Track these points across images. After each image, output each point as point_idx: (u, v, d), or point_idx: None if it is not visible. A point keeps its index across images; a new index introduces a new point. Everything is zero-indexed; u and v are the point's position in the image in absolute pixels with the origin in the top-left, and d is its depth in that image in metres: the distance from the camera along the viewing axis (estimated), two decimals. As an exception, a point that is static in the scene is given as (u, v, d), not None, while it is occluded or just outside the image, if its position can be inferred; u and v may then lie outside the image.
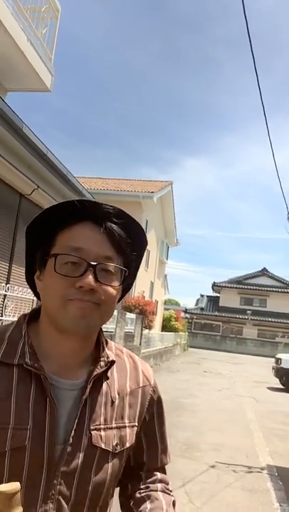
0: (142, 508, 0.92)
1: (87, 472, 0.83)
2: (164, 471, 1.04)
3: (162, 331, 24.02)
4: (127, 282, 0.92)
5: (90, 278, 0.80)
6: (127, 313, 12.55)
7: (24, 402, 0.80)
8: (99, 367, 0.88)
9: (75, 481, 0.81)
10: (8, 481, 0.74)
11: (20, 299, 6.70)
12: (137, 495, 0.96)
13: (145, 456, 0.99)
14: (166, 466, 1.06)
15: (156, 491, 0.96)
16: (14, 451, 0.77)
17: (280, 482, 4.90)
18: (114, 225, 0.85)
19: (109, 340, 0.99)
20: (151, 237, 21.20)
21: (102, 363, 0.89)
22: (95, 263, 0.81)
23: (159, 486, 0.98)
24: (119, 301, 0.92)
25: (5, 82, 7.54)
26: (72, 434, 0.82)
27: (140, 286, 18.88)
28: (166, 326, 25.30)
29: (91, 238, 0.83)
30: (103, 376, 0.89)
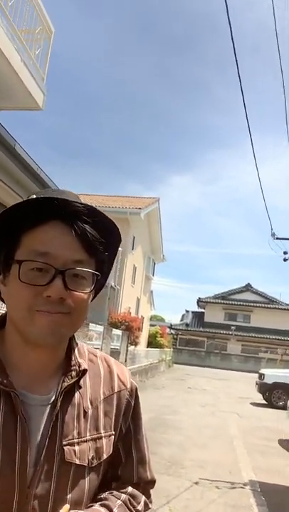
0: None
1: (62, 491, 0.77)
2: (145, 490, 0.93)
3: (148, 347, 23.98)
4: (100, 283, 0.84)
5: (59, 286, 0.73)
6: (113, 329, 12.59)
7: None
8: (70, 377, 0.82)
9: (50, 502, 0.76)
10: None
11: None
12: (95, 496, 0.86)
13: (120, 469, 0.91)
14: (149, 486, 0.95)
15: (118, 499, 0.85)
16: None
17: (262, 497, 4.98)
18: (85, 225, 0.76)
19: (81, 344, 0.92)
20: (137, 253, 21.34)
21: (73, 373, 0.83)
22: (63, 269, 0.74)
23: (123, 496, 0.87)
24: (92, 300, 0.85)
25: (-2, 101, 7.68)
26: (44, 453, 0.76)
27: (126, 302, 18.94)
28: (152, 343, 25.26)
29: (59, 240, 0.75)
30: (75, 386, 0.83)
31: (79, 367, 0.84)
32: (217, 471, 5.85)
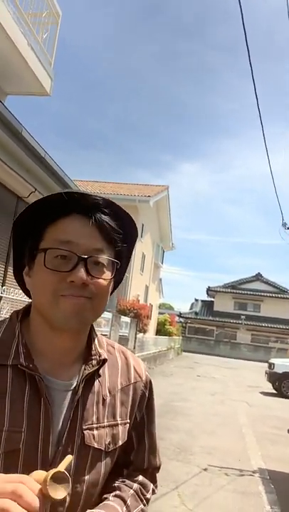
0: (102, 500, 0.87)
1: (80, 472, 0.82)
2: (152, 475, 1.01)
3: (156, 334, 24.06)
4: (119, 275, 0.90)
5: (82, 272, 0.78)
6: (122, 316, 12.60)
7: (19, 403, 0.79)
8: (90, 366, 0.87)
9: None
10: None
11: (16, 300, 6.73)
12: (109, 483, 0.92)
13: (133, 455, 0.97)
14: (156, 471, 1.02)
15: (130, 489, 0.92)
16: (8, 454, 0.76)
17: (271, 485, 4.96)
18: (104, 216, 0.82)
19: (101, 336, 0.97)
20: (146, 240, 21.28)
21: (93, 362, 0.88)
22: (85, 256, 0.79)
23: (135, 486, 0.94)
24: (111, 294, 0.90)
25: (5, 86, 7.60)
26: (65, 435, 0.81)
27: (135, 290, 18.94)
28: (161, 330, 25.33)
29: (80, 231, 0.80)
30: (95, 374, 0.88)
31: (99, 356, 0.89)
32: (226, 458, 5.84)
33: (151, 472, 1.00)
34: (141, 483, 0.95)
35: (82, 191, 0.82)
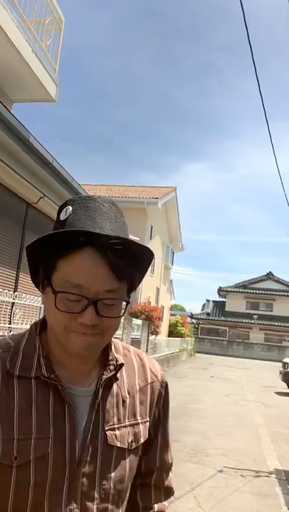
0: None
1: (106, 471, 0.87)
2: (166, 472, 1.06)
3: (169, 336, 24.01)
4: (135, 286, 0.93)
5: (91, 314, 0.80)
6: (134, 319, 12.60)
7: (44, 412, 0.84)
8: (108, 371, 0.91)
9: (96, 480, 0.86)
10: (34, 485, 0.82)
11: (28, 306, 6.77)
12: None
13: (147, 450, 1.01)
14: (169, 469, 1.07)
15: None
16: (38, 459, 0.82)
17: (288, 486, 4.91)
18: (117, 255, 0.80)
19: (116, 341, 1.01)
20: (156, 242, 21.28)
21: (111, 367, 0.92)
22: (95, 299, 0.80)
23: None
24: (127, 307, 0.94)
25: (11, 94, 7.67)
26: (89, 437, 0.86)
27: (146, 292, 18.93)
28: (173, 332, 25.28)
29: (92, 272, 0.80)
30: (113, 378, 0.93)
31: (116, 361, 0.94)
32: (241, 459, 5.79)
33: (165, 470, 1.05)
34: None
35: (95, 232, 0.78)
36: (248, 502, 4.34)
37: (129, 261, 0.82)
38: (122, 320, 11.03)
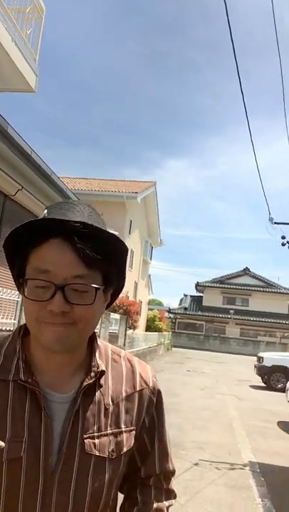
0: None
1: (83, 479, 0.85)
2: (166, 480, 1.03)
3: (146, 331, 24.09)
4: (115, 288, 0.92)
5: (59, 301, 0.79)
6: (111, 313, 12.59)
7: (20, 415, 0.83)
8: (89, 377, 0.89)
9: (71, 488, 0.84)
10: (6, 489, 0.81)
11: (3, 300, 6.68)
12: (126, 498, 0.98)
13: (146, 457, 1.00)
14: (171, 475, 1.04)
15: None
16: (11, 462, 0.81)
17: (262, 478, 5.02)
18: (84, 242, 0.80)
19: (105, 345, 0.99)
20: (135, 237, 21.27)
21: (92, 373, 0.90)
22: (62, 284, 0.79)
23: None
24: (108, 307, 0.94)
25: (-11, 83, 7.50)
26: (66, 444, 0.84)
27: (124, 287, 18.91)
28: (150, 326, 25.38)
29: (59, 258, 0.80)
30: (96, 385, 0.90)
31: (97, 368, 0.91)
32: (217, 452, 5.89)
33: (165, 477, 1.03)
34: (156, 511, 0.98)
35: (61, 219, 0.79)
36: (223, 494, 4.42)
37: (101, 250, 0.81)
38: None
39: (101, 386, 0.91)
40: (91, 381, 0.89)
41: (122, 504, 1.00)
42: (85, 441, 0.86)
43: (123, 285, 0.96)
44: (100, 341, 0.98)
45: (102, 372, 0.91)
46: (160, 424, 1.02)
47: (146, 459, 1.00)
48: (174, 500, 1.05)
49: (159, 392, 1.03)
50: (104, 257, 0.82)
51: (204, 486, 4.58)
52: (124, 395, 0.94)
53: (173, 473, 1.06)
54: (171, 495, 1.04)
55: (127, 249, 0.89)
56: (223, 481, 4.77)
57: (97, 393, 0.90)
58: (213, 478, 4.82)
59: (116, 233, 0.86)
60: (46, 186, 8.03)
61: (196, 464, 5.26)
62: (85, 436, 0.86)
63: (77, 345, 0.87)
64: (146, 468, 1.00)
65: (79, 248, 0.79)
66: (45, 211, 0.85)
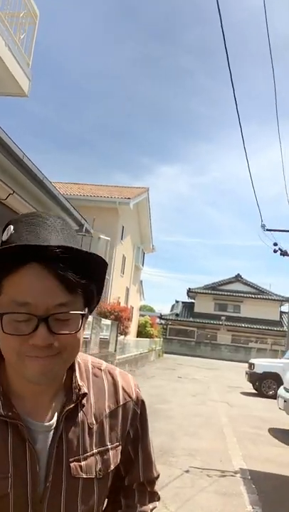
0: None
1: (72, 503, 0.84)
2: (151, 485, 1.03)
3: (137, 337, 24.02)
4: (95, 301, 0.86)
5: (43, 333, 0.73)
6: (103, 319, 12.53)
7: (3, 450, 0.80)
8: (70, 402, 0.86)
9: None
10: None
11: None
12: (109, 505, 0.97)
13: (129, 469, 0.99)
14: (154, 481, 1.04)
15: None
16: None
17: (252, 485, 4.99)
18: (64, 266, 0.73)
19: (85, 360, 0.95)
20: (127, 242, 21.26)
21: (74, 397, 0.87)
22: (45, 316, 0.73)
23: None
24: (90, 314, 0.87)
25: (-19, 86, 7.47)
26: (52, 471, 0.82)
27: (116, 292, 18.88)
28: (142, 332, 25.31)
29: (38, 287, 0.73)
30: (78, 406, 0.87)
31: (79, 390, 0.87)
32: (207, 459, 5.85)
33: (149, 483, 1.02)
34: None
35: (38, 244, 0.72)
36: (214, 502, 4.38)
37: (81, 271, 0.76)
38: (91, 320, 10.94)
39: (83, 406, 0.88)
40: (72, 406, 0.86)
41: (105, 508, 0.98)
42: (71, 465, 0.84)
43: (101, 294, 0.89)
44: (79, 356, 0.92)
45: (84, 395, 0.88)
46: (144, 434, 1.00)
47: (131, 469, 0.99)
48: (157, 503, 1.05)
49: (143, 402, 1.00)
50: (85, 278, 0.77)
51: (195, 493, 4.54)
52: (107, 411, 0.92)
53: (157, 477, 1.05)
54: (154, 497, 1.04)
55: (107, 265, 0.83)
56: (213, 488, 4.74)
57: (80, 414, 0.88)
58: (203, 486, 4.78)
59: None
60: (38, 191, 8.00)
61: (187, 471, 5.22)
62: (70, 460, 0.84)
63: (61, 375, 0.84)
64: (130, 478, 1.00)
65: (60, 274, 0.73)
66: (11, 227, 0.77)
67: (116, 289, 19.02)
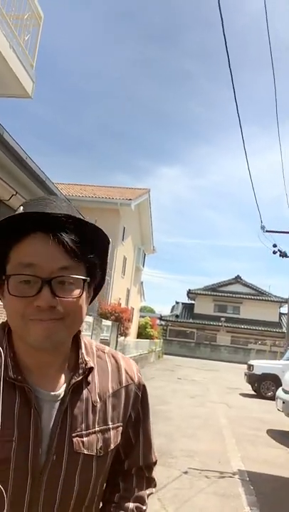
0: None
1: (71, 477, 0.86)
2: (149, 470, 1.06)
3: (138, 338, 24.03)
4: (98, 282, 0.91)
5: (47, 295, 0.77)
6: (103, 320, 12.57)
7: (9, 414, 0.81)
8: (77, 375, 0.88)
9: (59, 486, 0.85)
10: None
11: None
12: (108, 488, 1.00)
13: (129, 451, 1.01)
14: (153, 466, 1.07)
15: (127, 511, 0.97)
16: (0, 462, 0.80)
17: (251, 487, 5.03)
18: (66, 233, 0.79)
19: (89, 341, 0.98)
20: (128, 243, 21.29)
21: (80, 371, 0.89)
22: (49, 278, 0.77)
23: (131, 506, 0.98)
24: (91, 302, 0.91)
25: (-15, 88, 7.52)
26: (55, 443, 0.84)
27: (116, 293, 18.91)
28: (142, 333, 25.32)
29: (43, 251, 0.78)
30: (83, 383, 0.90)
31: (85, 365, 0.90)
32: (206, 460, 5.89)
33: (148, 467, 1.05)
34: (137, 499, 0.99)
35: (41, 211, 0.78)
36: (212, 503, 4.42)
37: (84, 241, 0.81)
38: (91, 321, 10.98)
39: (88, 383, 0.91)
40: (79, 378, 0.88)
41: (104, 491, 1.00)
42: (74, 439, 0.86)
43: (104, 279, 0.94)
44: (84, 338, 0.96)
45: (91, 369, 0.91)
46: (145, 417, 1.02)
47: (131, 452, 1.01)
48: (154, 489, 1.07)
49: (144, 387, 1.03)
50: (87, 248, 0.82)
51: (193, 494, 4.57)
52: (110, 391, 0.94)
53: (155, 463, 1.08)
54: (151, 483, 1.06)
55: (109, 241, 0.88)
56: (212, 490, 4.77)
57: (85, 390, 0.90)
58: (202, 487, 4.82)
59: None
60: (41, 192, 8.04)
61: (186, 473, 5.26)
62: (73, 434, 0.86)
63: (65, 341, 0.85)
64: (130, 461, 1.02)
65: (63, 240, 0.78)
66: (21, 207, 0.83)
67: (117, 290, 19.05)
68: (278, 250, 20.36)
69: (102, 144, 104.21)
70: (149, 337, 25.34)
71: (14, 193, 7.32)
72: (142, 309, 34.52)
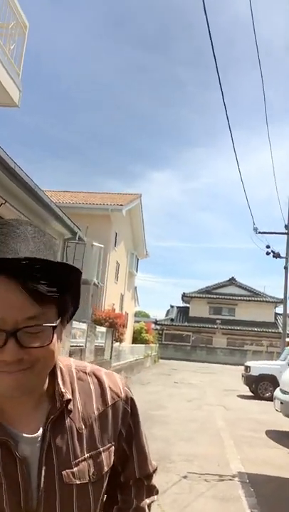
0: None
1: (69, 509, 0.84)
2: (148, 479, 1.04)
3: (133, 343, 23.97)
4: (71, 310, 0.84)
5: (12, 349, 0.71)
6: (97, 326, 12.52)
7: None
8: (54, 410, 0.85)
9: None
10: None
11: None
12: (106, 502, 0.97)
13: (125, 467, 0.99)
14: (151, 476, 1.05)
15: None
16: None
17: (251, 489, 5.01)
18: (33, 278, 0.71)
19: (67, 364, 0.94)
20: (120, 249, 21.29)
21: (58, 404, 0.85)
22: (14, 330, 0.71)
23: None
24: (68, 322, 0.85)
25: (-28, 97, 7.51)
26: (43, 481, 0.81)
27: (110, 299, 18.87)
28: (137, 339, 25.25)
29: (6, 300, 0.71)
30: (65, 413, 0.86)
31: (62, 397, 0.86)
32: (205, 464, 5.86)
33: (146, 477, 1.03)
34: (136, 510, 0.98)
35: (5, 257, 0.70)
36: (212, 507, 4.40)
37: (53, 281, 0.73)
38: (85, 328, 10.93)
39: (70, 411, 0.87)
40: (57, 413, 0.85)
41: (103, 503, 0.99)
42: (63, 473, 0.83)
43: (78, 306, 0.87)
44: (61, 361, 0.91)
45: (68, 401, 0.87)
46: (137, 431, 1.00)
47: (126, 466, 0.99)
48: (156, 496, 1.05)
49: (132, 400, 0.99)
50: (57, 289, 0.74)
51: (193, 499, 4.55)
52: (96, 413, 0.91)
53: (155, 471, 1.05)
54: (153, 491, 1.04)
55: (81, 274, 0.81)
56: (212, 493, 4.75)
57: (67, 420, 0.87)
58: (202, 491, 4.80)
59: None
60: (30, 200, 8.02)
61: (185, 477, 5.23)
62: (61, 468, 0.83)
63: (36, 388, 0.83)
64: (126, 474, 1.00)
65: (28, 287, 0.71)
66: None
67: (110, 296, 19.01)
68: (271, 251, 20.49)
69: (92, 150, 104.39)
70: (145, 342, 25.29)
71: (3, 201, 7.29)
72: (137, 314, 34.47)
